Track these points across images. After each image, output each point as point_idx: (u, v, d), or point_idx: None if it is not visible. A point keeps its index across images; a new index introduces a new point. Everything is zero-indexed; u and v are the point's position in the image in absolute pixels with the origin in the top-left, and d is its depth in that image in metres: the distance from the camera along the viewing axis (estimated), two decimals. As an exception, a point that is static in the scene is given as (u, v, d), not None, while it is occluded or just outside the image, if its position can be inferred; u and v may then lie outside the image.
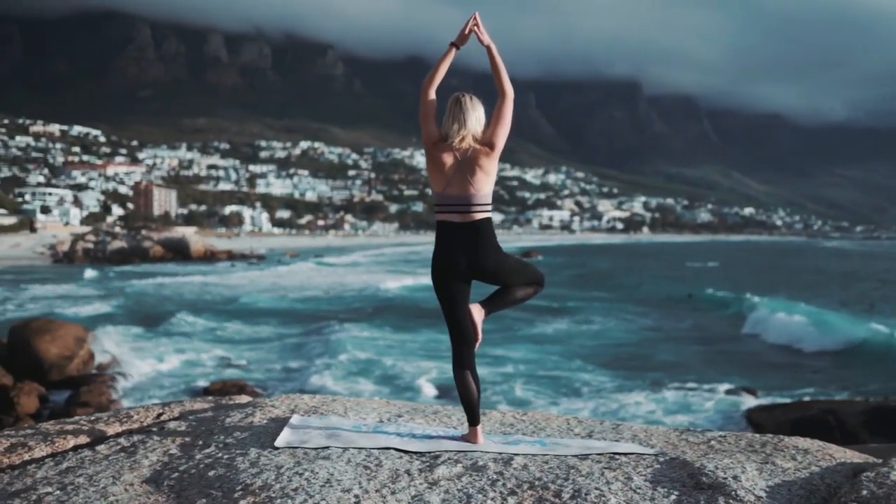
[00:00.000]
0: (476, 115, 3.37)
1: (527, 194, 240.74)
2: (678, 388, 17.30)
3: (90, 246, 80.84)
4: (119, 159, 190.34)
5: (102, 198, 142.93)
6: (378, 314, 30.50)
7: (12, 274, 52.42)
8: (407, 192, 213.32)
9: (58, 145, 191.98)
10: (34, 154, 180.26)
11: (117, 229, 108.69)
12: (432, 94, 3.45)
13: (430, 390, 16.89)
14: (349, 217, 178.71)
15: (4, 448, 3.22)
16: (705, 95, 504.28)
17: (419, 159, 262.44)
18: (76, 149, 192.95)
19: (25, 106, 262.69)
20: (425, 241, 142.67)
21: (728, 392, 16.83)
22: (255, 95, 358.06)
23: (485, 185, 3.35)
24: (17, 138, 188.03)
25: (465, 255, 3.33)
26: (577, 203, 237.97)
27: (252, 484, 2.72)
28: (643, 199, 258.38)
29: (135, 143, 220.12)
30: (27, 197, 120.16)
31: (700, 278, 52.97)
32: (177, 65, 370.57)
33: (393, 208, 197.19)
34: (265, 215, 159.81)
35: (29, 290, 39.71)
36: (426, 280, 48.60)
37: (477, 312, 3.40)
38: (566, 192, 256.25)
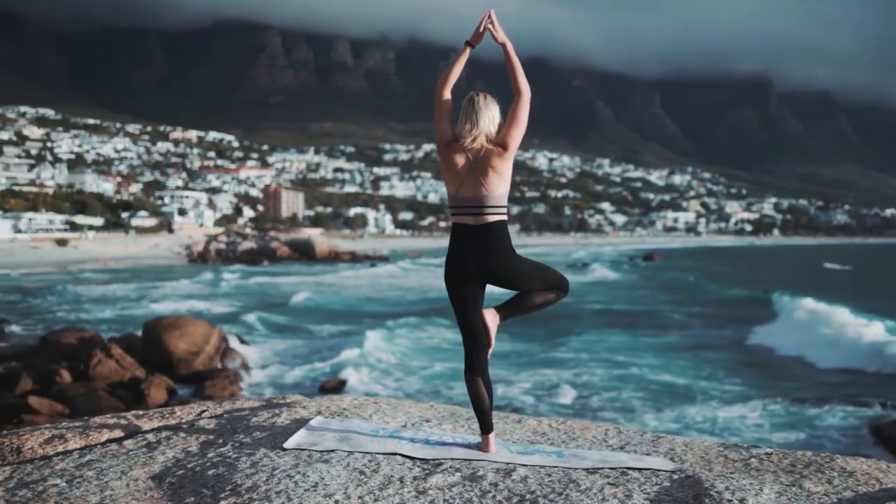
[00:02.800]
0: (489, 115, 3.28)
1: (651, 195, 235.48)
2: (802, 399, 16.45)
3: (222, 246, 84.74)
4: (250, 163, 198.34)
5: (235, 200, 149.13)
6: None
7: (151, 272, 55.55)
8: (528, 194, 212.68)
9: (195, 150, 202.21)
10: (173, 159, 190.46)
11: (248, 230, 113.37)
12: (447, 94, 3.38)
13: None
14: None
15: (44, 439, 3.38)
16: (843, 91, 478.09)
17: (540, 161, 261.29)
18: (211, 154, 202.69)
19: (166, 114, 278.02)
20: (546, 244, 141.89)
21: (860, 404, 15.86)
22: (380, 99, 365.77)
23: (498, 186, 3.26)
24: (159, 144, 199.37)
25: (475, 258, 3.25)
26: (703, 204, 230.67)
27: (242, 485, 2.75)
28: (774, 200, 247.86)
29: (265, 147, 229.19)
30: (166, 199, 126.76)
31: (839, 284, 50.38)
32: (305, 71, 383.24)
33: (514, 210, 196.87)
34: (388, 217, 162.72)
35: (163, 288, 42.00)
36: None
37: (491, 317, 3.31)
38: (692, 193, 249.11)
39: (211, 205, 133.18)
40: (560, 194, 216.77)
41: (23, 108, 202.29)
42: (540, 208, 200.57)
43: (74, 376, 16.92)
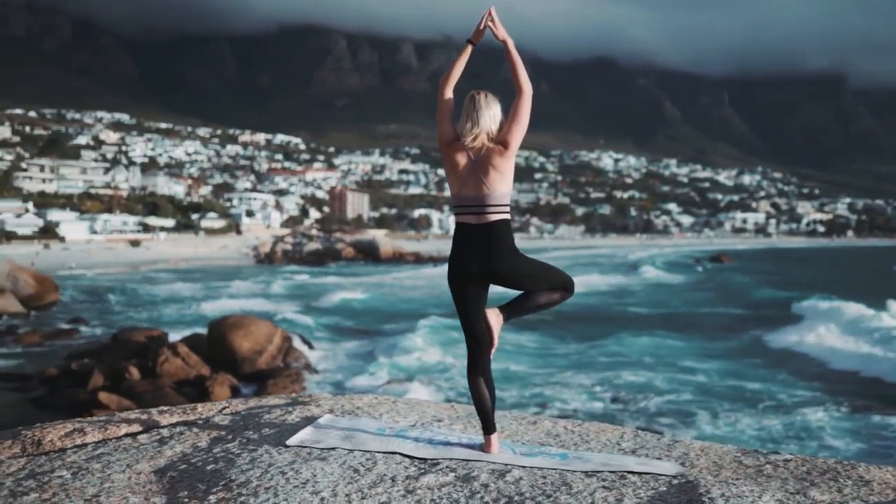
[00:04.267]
0: (490, 114, 3.26)
1: (719, 196, 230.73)
2: (864, 406, 15.90)
3: (288, 247, 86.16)
4: (317, 165, 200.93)
5: (301, 202, 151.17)
6: (554, 322, 29.62)
7: (219, 273, 56.78)
8: (594, 195, 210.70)
9: (262, 153, 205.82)
10: (242, 161, 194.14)
11: (314, 231, 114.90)
12: (449, 93, 3.37)
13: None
14: (535, 220, 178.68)
15: (64, 433, 3.47)
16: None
17: (606, 161, 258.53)
18: (279, 156, 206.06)
19: (235, 117, 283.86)
20: (610, 245, 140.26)
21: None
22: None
23: (500, 185, 3.24)
24: (228, 147, 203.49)
25: (478, 258, 3.24)
26: (774, 205, 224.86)
27: (235, 480, 2.78)
28: (848, 200, 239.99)
29: (331, 149, 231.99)
30: (234, 201, 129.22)
31: None
32: (371, 74, 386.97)
33: (579, 211, 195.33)
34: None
35: (229, 288, 42.90)
36: (604, 286, 47.80)
37: (494, 317, 3.29)
38: (762, 193, 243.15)
39: (278, 206, 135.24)
40: (626, 195, 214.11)
41: (99, 114, 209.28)
42: (605, 209, 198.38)
43: (143, 373, 17.47)
